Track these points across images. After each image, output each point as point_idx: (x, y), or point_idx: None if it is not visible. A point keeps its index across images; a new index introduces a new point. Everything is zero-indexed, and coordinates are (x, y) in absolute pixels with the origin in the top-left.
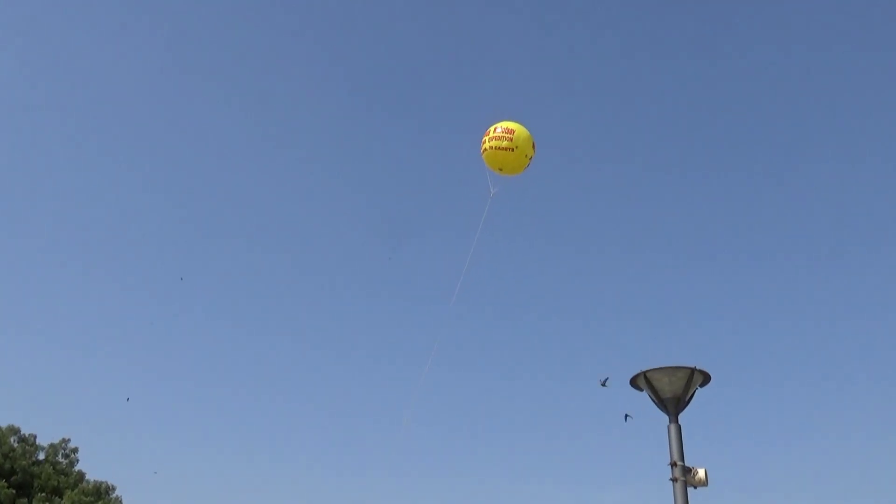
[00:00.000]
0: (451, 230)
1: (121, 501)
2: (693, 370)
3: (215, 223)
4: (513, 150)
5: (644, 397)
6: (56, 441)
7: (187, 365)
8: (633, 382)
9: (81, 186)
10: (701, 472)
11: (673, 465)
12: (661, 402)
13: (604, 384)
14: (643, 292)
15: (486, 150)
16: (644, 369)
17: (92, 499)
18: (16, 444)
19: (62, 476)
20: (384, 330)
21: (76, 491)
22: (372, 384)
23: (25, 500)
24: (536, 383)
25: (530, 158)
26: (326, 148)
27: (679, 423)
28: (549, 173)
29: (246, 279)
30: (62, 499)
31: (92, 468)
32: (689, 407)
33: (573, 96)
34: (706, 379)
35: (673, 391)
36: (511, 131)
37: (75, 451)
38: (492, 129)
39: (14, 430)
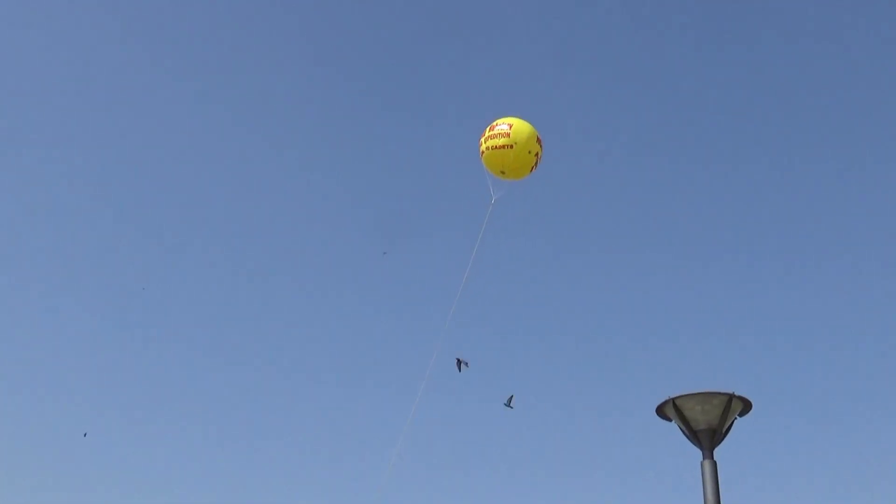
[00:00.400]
0: (449, 235)
1: None
2: (731, 396)
3: (167, 235)
4: (512, 146)
5: (673, 429)
6: None
7: (133, 392)
8: (661, 411)
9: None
10: None
11: None
12: (694, 435)
13: (508, 404)
14: (671, 305)
15: (483, 152)
16: (673, 395)
17: None
18: None
19: None
20: (370, 349)
21: None
22: (355, 413)
23: None
24: (547, 411)
25: (536, 156)
26: (307, 143)
27: (715, 459)
28: (557, 174)
29: (210, 293)
30: None
31: None
32: (726, 440)
33: (586, 85)
34: (747, 407)
35: (707, 421)
36: (508, 126)
37: None
38: (488, 128)
39: None
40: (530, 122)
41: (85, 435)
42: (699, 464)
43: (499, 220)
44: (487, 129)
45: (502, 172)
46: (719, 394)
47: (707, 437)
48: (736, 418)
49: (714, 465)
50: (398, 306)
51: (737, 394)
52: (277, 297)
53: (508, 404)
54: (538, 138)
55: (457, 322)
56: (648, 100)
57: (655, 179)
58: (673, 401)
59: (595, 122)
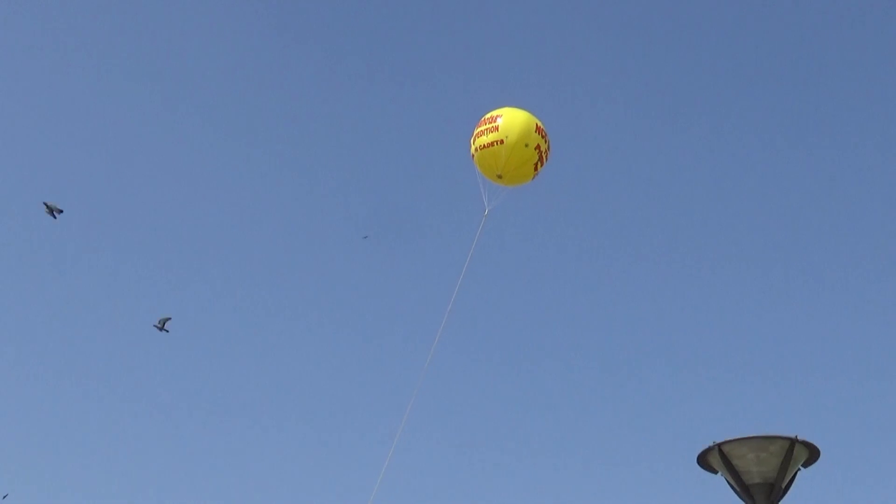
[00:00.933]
0: (440, 246)
1: None
2: (793, 441)
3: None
4: (502, 141)
5: (720, 483)
6: None
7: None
8: (704, 460)
9: None
10: None
11: None
12: (745, 490)
13: (161, 327)
14: (713, 330)
15: (473, 154)
16: (719, 441)
17: None
18: None
19: None
20: (340, 385)
21: None
22: (333, 440)
23: None
24: (557, 459)
25: (538, 150)
26: (280, 144)
27: None
28: (564, 176)
29: (175, 303)
30: None
31: None
32: (786, 496)
33: (597, 75)
34: (813, 455)
35: (763, 474)
36: (495, 118)
37: None
38: (477, 124)
39: None
40: (537, 110)
41: (5, 497)
42: None
43: (495, 233)
44: (477, 125)
45: (499, 177)
46: (778, 438)
47: (763, 493)
48: (799, 469)
49: None
50: (381, 326)
51: (800, 438)
52: (256, 308)
53: (161, 327)
54: (538, 127)
55: (445, 346)
56: (672, 87)
57: (687, 180)
58: (719, 447)
59: (608, 115)
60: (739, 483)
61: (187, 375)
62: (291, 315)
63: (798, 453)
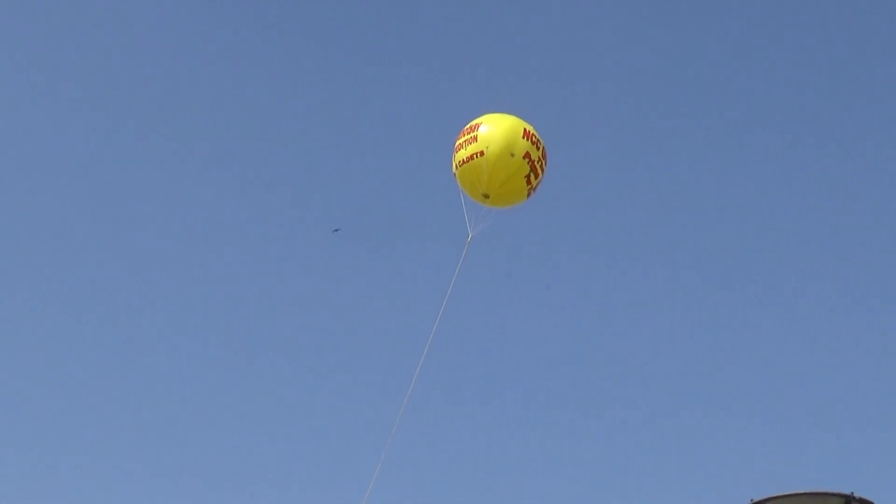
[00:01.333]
0: (424, 262)
1: None
2: (849, 499)
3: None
4: (482, 153)
5: None
6: None
7: None
8: None
9: None
10: None
11: None
12: None
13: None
14: (745, 366)
15: (455, 172)
16: (759, 498)
17: None
18: None
19: None
20: (303, 439)
21: None
22: (301, 492)
23: None
24: None
25: (528, 159)
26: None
27: None
28: (566, 188)
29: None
30: None
31: None
32: None
33: (600, 74)
34: None
35: None
36: (476, 127)
37: None
38: (457, 137)
39: None
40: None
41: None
42: None
43: (482, 258)
44: (457, 136)
45: (485, 196)
46: (831, 495)
47: None
48: None
49: None
50: (353, 366)
51: (857, 495)
52: (230, 315)
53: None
54: (527, 132)
55: (427, 380)
56: (685, 86)
57: (715, 190)
58: None
59: (619, 119)
60: None
61: (151, 381)
62: (260, 337)
63: None
